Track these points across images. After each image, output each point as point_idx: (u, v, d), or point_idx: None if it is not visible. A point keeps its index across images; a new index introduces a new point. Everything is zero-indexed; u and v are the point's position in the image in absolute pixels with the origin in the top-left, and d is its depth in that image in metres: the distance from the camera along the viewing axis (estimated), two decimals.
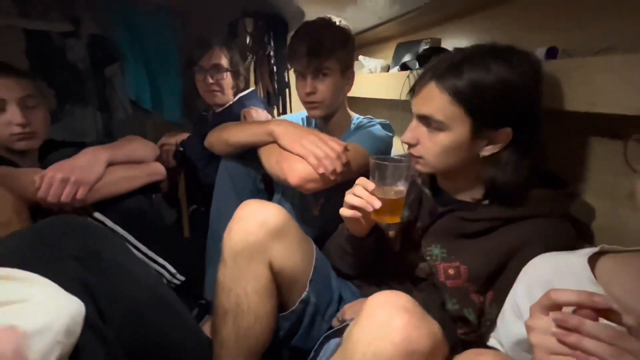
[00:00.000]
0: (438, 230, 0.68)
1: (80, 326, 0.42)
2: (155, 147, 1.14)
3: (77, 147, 0.96)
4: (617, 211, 0.63)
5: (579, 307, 0.36)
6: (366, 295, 0.67)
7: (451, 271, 0.64)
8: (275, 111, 1.55)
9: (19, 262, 0.46)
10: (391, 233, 0.71)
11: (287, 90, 1.52)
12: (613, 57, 0.57)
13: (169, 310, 0.61)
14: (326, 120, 1.01)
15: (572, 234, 0.59)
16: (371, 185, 0.63)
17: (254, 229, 0.65)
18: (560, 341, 0.35)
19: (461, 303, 0.63)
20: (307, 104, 0.96)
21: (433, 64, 0.62)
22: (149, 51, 1.49)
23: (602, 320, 0.35)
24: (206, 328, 0.80)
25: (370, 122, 0.99)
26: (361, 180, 0.65)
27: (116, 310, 0.53)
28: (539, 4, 0.81)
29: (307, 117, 1.12)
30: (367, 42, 1.61)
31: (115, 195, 0.92)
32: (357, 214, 0.64)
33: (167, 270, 1.01)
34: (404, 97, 0.72)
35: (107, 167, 0.91)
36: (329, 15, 1.03)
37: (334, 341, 0.67)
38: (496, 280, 0.61)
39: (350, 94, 1.05)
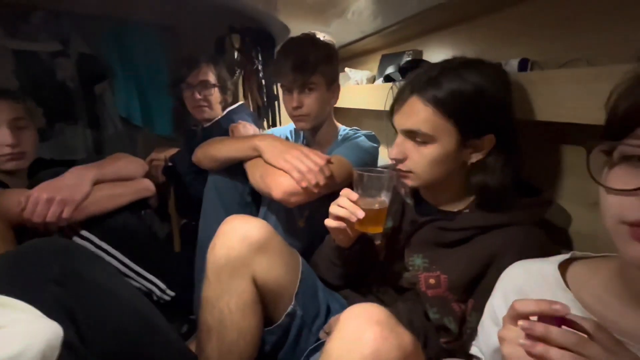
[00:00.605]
0: (419, 240, 0.69)
1: (57, 350, 0.42)
2: (143, 163, 1.14)
3: (66, 165, 0.96)
4: (589, 217, 0.65)
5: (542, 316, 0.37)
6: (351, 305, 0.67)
7: (432, 280, 0.65)
8: (265, 123, 1.57)
9: None
10: (378, 242, 0.72)
11: (275, 102, 1.55)
12: (576, 70, 0.60)
13: (153, 332, 0.61)
14: (314, 132, 1.03)
15: (545, 240, 0.60)
16: (354, 195, 0.64)
17: (236, 244, 0.66)
18: (529, 353, 0.36)
19: (441, 312, 0.63)
20: (294, 117, 0.99)
21: (411, 80, 0.64)
22: (138, 68, 1.51)
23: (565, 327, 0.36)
24: (194, 345, 0.79)
25: (355, 133, 1.01)
26: (345, 191, 0.66)
27: (98, 332, 0.53)
28: (513, 17, 0.84)
29: (295, 129, 1.14)
30: (353, 55, 1.64)
31: (102, 213, 0.93)
32: (342, 224, 0.65)
33: (157, 286, 1.01)
34: (388, 108, 0.74)
35: (94, 185, 0.92)
36: (313, 31, 1.06)
37: (320, 354, 0.67)
38: (475, 289, 0.62)
39: (337, 105, 1.07)
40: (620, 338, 0.39)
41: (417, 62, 1.03)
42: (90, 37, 1.42)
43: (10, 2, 1.21)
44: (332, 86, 0.99)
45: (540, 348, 0.35)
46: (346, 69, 1.50)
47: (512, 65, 0.75)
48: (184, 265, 1.11)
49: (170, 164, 1.31)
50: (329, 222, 0.67)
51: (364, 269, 0.78)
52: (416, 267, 0.68)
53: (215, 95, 1.31)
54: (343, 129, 1.05)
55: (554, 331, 0.35)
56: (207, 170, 1.03)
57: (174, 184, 1.34)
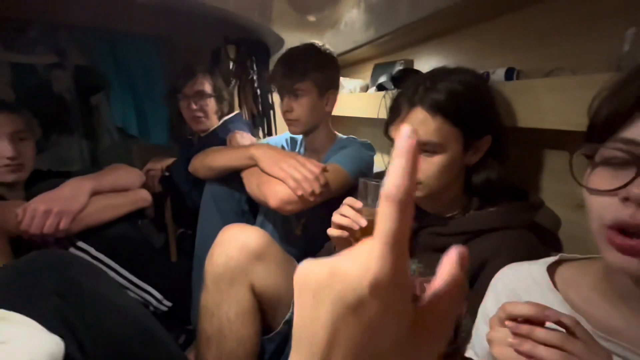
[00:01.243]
0: (415, 246, 0.70)
1: None
2: (140, 174, 1.15)
3: (63, 176, 0.97)
4: (576, 220, 0.67)
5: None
6: None
7: (426, 285, 0.66)
8: (260, 132, 1.59)
9: None
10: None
11: (271, 111, 1.56)
12: (558, 79, 0.62)
13: (152, 342, 0.61)
14: (307, 136, 1.05)
15: (536, 243, 0.62)
16: (358, 204, 0.64)
17: (235, 252, 0.66)
18: (517, 351, 0.37)
19: None
20: (286, 121, 1.02)
21: (408, 93, 0.65)
22: (134, 79, 1.52)
23: (548, 324, 0.38)
24: (192, 355, 0.79)
25: (351, 142, 1.02)
26: (348, 199, 0.67)
27: (99, 343, 0.53)
28: (501, 28, 0.87)
29: (290, 138, 1.16)
30: (346, 64, 1.67)
31: (99, 224, 0.93)
32: (344, 233, 0.66)
33: (154, 297, 1.01)
34: (382, 116, 0.76)
35: (91, 197, 0.92)
36: (315, 41, 1.09)
37: None
38: (469, 293, 0.63)
39: (332, 114, 1.09)
40: (607, 337, 0.41)
41: (409, 71, 1.06)
42: (87, 48, 1.43)
43: (7, 15, 1.23)
44: (326, 93, 1.00)
45: (528, 345, 0.37)
46: (340, 78, 1.53)
47: (499, 74, 0.78)
48: (180, 275, 1.11)
49: (166, 173, 1.31)
50: (332, 232, 0.67)
51: None
52: (411, 272, 0.69)
53: (212, 105, 1.33)
54: (340, 137, 1.07)
55: (538, 330, 0.37)
56: (203, 179, 1.04)
57: (171, 193, 1.34)
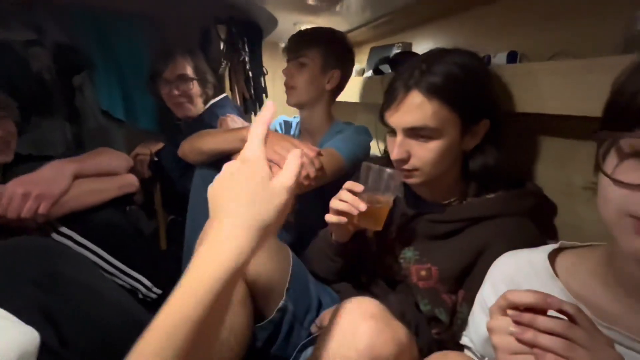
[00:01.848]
0: (410, 233, 0.69)
1: (34, 357, 0.40)
2: (127, 158, 1.10)
3: (45, 160, 0.92)
4: (573, 207, 0.66)
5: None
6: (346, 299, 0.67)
7: (423, 272, 0.65)
8: (252, 116, 1.54)
9: None
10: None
11: (263, 95, 1.52)
12: (560, 62, 0.60)
13: (139, 331, 0.59)
14: (303, 112, 1.03)
15: (534, 231, 0.61)
16: (359, 187, 0.63)
17: None
18: (519, 340, 0.36)
19: (432, 303, 0.64)
20: (286, 90, 1.02)
21: (403, 76, 0.63)
22: (119, 60, 1.45)
23: (550, 312, 0.37)
24: None
25: (348, 127, 1.00)
26: (348, 183, 0.64)
27: (81, 333, 0.51)
28: (502, 10, 0.84)
29: (285, 121, 1.13)
30: None
31: (83, 209, 0.89)
32: (343, 219, 0.64)
33: (142, 284, 0.98)
34: (379, 101, 0.73)
35: (74, 180, 0.88)
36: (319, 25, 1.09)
37: (312, 348, 0.67)
38: (466, 280, 0.62)
39: None
40: (607, 325, 0.40)
41: (408, 54, 1.03)
42: (67, 26, 1.35)
43: None
44: (329, 71, 0.99)
45: (530, 334, 0.36)
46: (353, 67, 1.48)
47: (500, 57, 0.76)
48: (170, 262, 1.08)
49: (156, 159, 1.27)
50: (330, 217, 0.66)
51: (358, 263, 0.78)
52: (407, 260, 0.68)
53: (195, 89, 1.26)
54: (336, 122, 1.05)
55: (541, 319, 0.36)
56: (193, 164, 1.00)
57: (161, 179, 1.30)
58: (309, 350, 0.67)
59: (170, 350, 0.32)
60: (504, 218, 0.61)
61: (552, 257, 0.49)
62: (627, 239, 0.36)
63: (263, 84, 1.52)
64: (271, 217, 0.38)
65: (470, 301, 0.58)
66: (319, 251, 0.78)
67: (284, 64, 1.03)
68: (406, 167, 0.64)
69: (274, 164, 0.77)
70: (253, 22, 1.45)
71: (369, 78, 1.24)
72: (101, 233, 0.92)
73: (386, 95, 0.66)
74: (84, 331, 0.52)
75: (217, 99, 1.34)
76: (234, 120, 1.18)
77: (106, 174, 0.97)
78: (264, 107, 0.42)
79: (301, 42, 0.98)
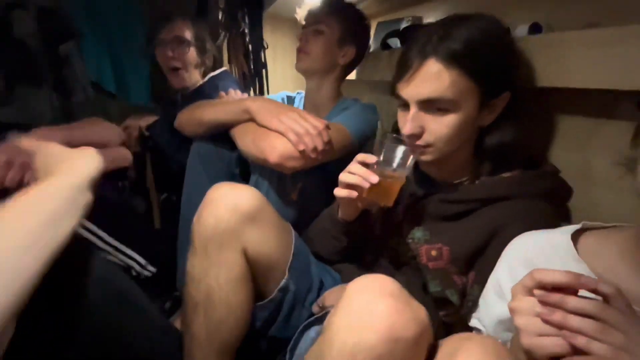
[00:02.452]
0: (420, 213, 0.66)
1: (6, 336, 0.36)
2: (120, 130, 1.05)
3: (29, 129, 0.86)
4: (590, 190, 0.64)
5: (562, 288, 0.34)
6: (347, 280, 0.64)
7: (433, 253, 0.62)
8: (251, 92, 1.48)
9: None
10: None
11: (263, 70, 1.45)
12: (589, 32, 0.56)
13: (128, 305, 0.56)
14: (311, 82, 1.00)
15: (551, 214, 0.58)
16: (373, 158, 0.59)
17: (225, 214, 0.60)
18: (546, 321, 0.34)
19: (443, 284, 0.61)
20: (298, 53, 0.98)
21: (419, 43, 0.58)
22: (110, 27, 1.37)
23: (582, 292, 0.34)
24: (179, 322, 0.75)
25: (355, 103, 0.96)
26: (360, 155, 0.61)
27: (67, 312, 0.47)
28: None
29: (288, 96, 1.08)
30: None
31: None
32: (353, 193, 0.60)
33: (136, 262, 0.95)
34: (386, 77, 0.69)
35: None
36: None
37: (314, 329, 0.65)
38: (477, 261, 0.60)
39: None
40: (636, 308, 0.38)
41: (420, 26, 0.97)
42: None
43: None
44: (345, 45, 0.96)
45: (559, 315, 0.33)
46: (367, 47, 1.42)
47: (522, 30, 0.71)
48: (165, 241, 1.04)
49: (147, 133, 1.20)
50: (339, 191, 0.62)
51: (363, 243, 0.75)
52: (416, 240, 0.65)
53: (192, 55, 1.19)
54: (343, 98, 1.01)
55: (572, 299, 0.33)
56: (189, 141, 0.95)
57: (151, 155, 1.25)
58: (311, 332, 0.65)
59: None
60: (519, 199, 0.58)
61: (574, 238, 0.47)
62: None
63: (263, 59, 1.44)
64: None
65: (481, 283, 0.56)
66: (323, 230, 0.75)
67: (286, 39, 0.99)
68: (419, 142, 0.60)
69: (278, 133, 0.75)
70: None
71: (375, 54, 1.18)
72: (92, 207, 0.87)
73: (398, 65, 0.61)
74: (70, 309, 0.49)
75: (216, 72, 1.27)
76: (237, 95, 1.12)
77: (97, 146, 0.91)
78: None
79: (322, 10, 0.96)
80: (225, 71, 1.31)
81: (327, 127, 0.75)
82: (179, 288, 0.99)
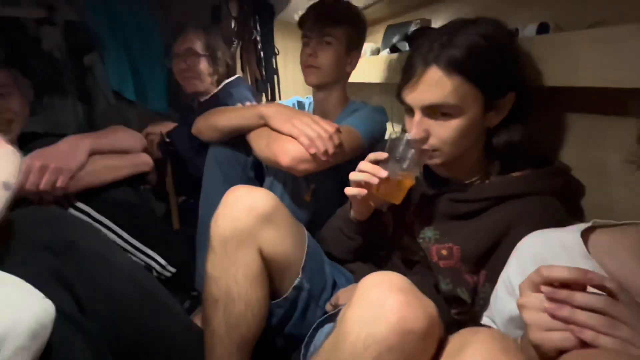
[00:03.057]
0: (431, 213, 0.67)
1: (49, 328, 0.39)
2: (141, 137, 1.10)
3: (60, 138, 0.92)
4: (606, 187, 0.63)
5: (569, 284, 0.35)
6: (360, 280, 0.66)
7: (444, 252, 0.63)
8: (263, 98, 1.52)
9: None
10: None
11: (275, 76, 1.48)
12: (597, 30, 0.56)
13: (155, 303, 0.59)
14: (320, 93, 1.00)
15: (562, 212, 0.59)
16: (383, 155, 0.61)
17: (242, 214, 0.63)
18: (554, 316, 0.35)
19: (454, 283, 0.62)
20: (306, 68, 0.96)
21: (422, 50, 0.60)
22: (130, 38, 1.43)
23: (588, 289, 0.35)
24: (198, 319, 0.78)
25: (364, 106, 0.98)
26: (372, 154, 0.63)
27: (96, 302, 0.51)
28: None
29: (298, 102, 1.11)
30: None
31: (99, 185, 0.89)
32: (363, 191, 0.62)
33: (157, 262, 0.99)
34: (395, 80, 0.70)
35: (90, 157, 0.87)
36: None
37: (328, 326, 0.67)
38: (489, 260, 0.61)
39: None
40: None
41: (427, 30, 0.98)
42: (77, 3, 1.33)
43: None
44: (352, 52, 0.96)
45: (566, 310, 0.34)
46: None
47: (530, 30, 0.72)
48: (184, 242, 1.08)
49: (167, 139, 1.26)
50: (349, 190, 0.64)
51: (375, 243, 0.77)
52: (427, 240, 0.66)
53: (203, 65, 1.23)
54: (352, 101, 1.02)
55: (579, 295, 0.34)
56: (207, 146, 0.99)
57: (171, 160, 1.29)
58: (325, 329, 0.67)
59: None
60: (530, 197, 0.59)
61: (585, 236, 0.47)
62: None
63: (275, 65, 1.48)
64: None
65: (492, 281, 0.57)
66: (336, 230, 0.77)
67: (296, 44, 1.00)
68: (425, 147, 0.61)
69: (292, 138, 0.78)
70: (265, 0, 1.41)
71: (384, 57, 1.19)
72: (116, 210, 0.92)
73: (404, 71, 0.63)
74: (99, 301, 0.52)
75: (231, 79, 1.31)
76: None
77: (121, 152, 0.97)
78: None
79: (328, 20, 0.92)
80: (239, 77, 1.35)
81: (338, 131, 0.77)
82: (197, 287, 1.02)
